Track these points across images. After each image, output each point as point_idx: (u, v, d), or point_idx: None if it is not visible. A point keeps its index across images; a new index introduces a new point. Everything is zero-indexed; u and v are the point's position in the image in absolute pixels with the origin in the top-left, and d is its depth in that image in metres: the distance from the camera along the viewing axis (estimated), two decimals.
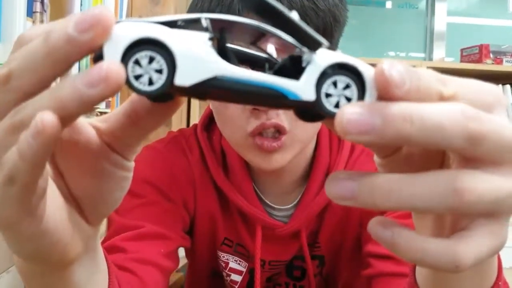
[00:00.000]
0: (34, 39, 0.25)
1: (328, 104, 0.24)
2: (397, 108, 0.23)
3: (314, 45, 0.25)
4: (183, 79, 0.23)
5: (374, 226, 0.25)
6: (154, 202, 0.66)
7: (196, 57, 0.23)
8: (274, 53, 0.28)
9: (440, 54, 3.10)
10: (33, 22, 0.71)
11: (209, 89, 0.24)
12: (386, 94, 0.23)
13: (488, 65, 2.27)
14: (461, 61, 2.37)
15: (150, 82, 0.23)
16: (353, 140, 0.23)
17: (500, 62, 2.37)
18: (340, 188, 0.24)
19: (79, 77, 0.22)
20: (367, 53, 2.91)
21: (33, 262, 0.31)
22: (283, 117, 0.58)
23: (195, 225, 0.72)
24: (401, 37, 3.03)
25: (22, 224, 0.26)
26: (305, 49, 0.25)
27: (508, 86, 2.16)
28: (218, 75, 0.24)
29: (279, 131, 0.59)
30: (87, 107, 0.23)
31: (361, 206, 0.24)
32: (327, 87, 0.24)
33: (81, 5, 0.97)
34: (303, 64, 0.25)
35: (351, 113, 0.22)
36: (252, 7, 0.24)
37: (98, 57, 0.23)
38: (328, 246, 0.72)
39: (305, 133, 0.62)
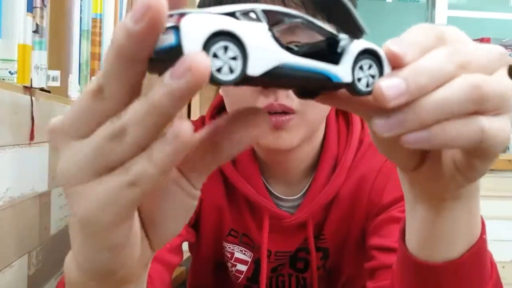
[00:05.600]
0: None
1: (361, 86, 0.29)
2: (408, 68, 0.29)
3: (358, 33, 0.29)
4: (254, 69, 0.24)
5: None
6: None
7: (263, 48, 0.25)
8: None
9: None
10: (33, 17, 0.71)
11: (272, 77, 0.25)
12: (398, 65, 0.29)
13: None
14: None
15: (230, 71, 0.24)
16: (395, 104, 0.27)
17: None
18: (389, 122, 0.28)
19: (167, 73, 0.22)
20: None
21: (92, 277, 0.29)
22: (292, 99, 0.58)
23: (201, 217, 0.72)
24: (402, 30, 3.00)
25: (115, 230, 0.26)
26: (343, 36, 0.28)
27: None
28: (280, 64, 0.25)
29: (286, 112, 0.59)
30: (179, 102, 0.23)
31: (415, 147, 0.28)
32: (357, 72, 0.28)
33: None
34: (339, 50, 0.28)
35: (386, 85, 0.28)
36: None
37: (175, 51, 0.23)
38: (333, 238, 0.73)
39: (314, 115, 0.62)
